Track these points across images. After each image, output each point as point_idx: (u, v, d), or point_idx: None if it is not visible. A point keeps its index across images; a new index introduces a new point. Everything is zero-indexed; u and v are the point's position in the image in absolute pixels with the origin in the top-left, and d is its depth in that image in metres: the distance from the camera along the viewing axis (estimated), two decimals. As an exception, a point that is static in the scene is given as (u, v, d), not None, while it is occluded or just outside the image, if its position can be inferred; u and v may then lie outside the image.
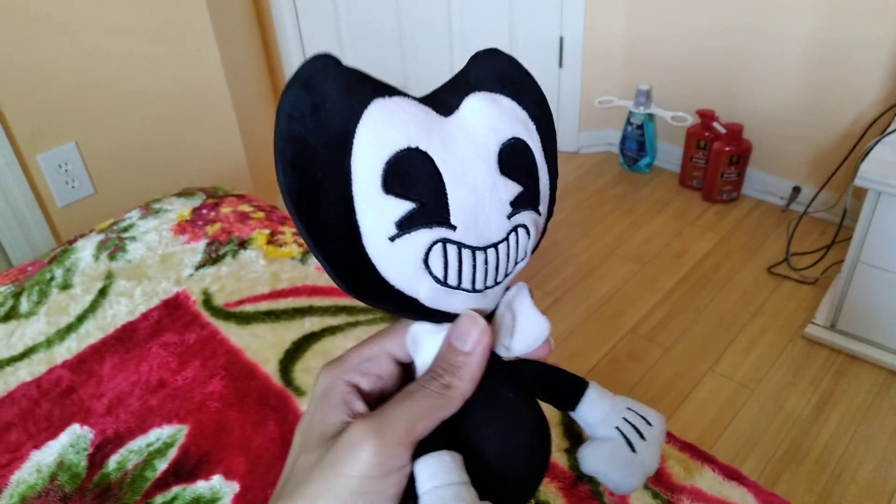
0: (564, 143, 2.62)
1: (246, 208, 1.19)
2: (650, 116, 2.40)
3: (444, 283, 0.29)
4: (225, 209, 1.19)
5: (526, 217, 0.30)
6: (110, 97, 1.68)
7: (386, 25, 2.37)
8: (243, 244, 1.10)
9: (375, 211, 0.27)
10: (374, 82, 0.28)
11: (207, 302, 0.99)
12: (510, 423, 0.32)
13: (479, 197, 0.29)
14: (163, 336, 0.94)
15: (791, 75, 2.06)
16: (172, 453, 0.78)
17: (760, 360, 1.68)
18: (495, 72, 0.32)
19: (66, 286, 1.04)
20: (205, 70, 1.82)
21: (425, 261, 0.28)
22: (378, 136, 0.27)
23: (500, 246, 0.30)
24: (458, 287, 0.29)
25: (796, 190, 2.19)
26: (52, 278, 1.06)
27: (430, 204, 0.28)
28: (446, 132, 0.29)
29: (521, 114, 0.31)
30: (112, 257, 1.09)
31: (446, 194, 0.28)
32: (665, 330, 1.79)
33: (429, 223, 0.28)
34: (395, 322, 0.33)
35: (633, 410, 0.35)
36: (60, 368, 0.90)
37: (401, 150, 0.27)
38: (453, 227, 0.28)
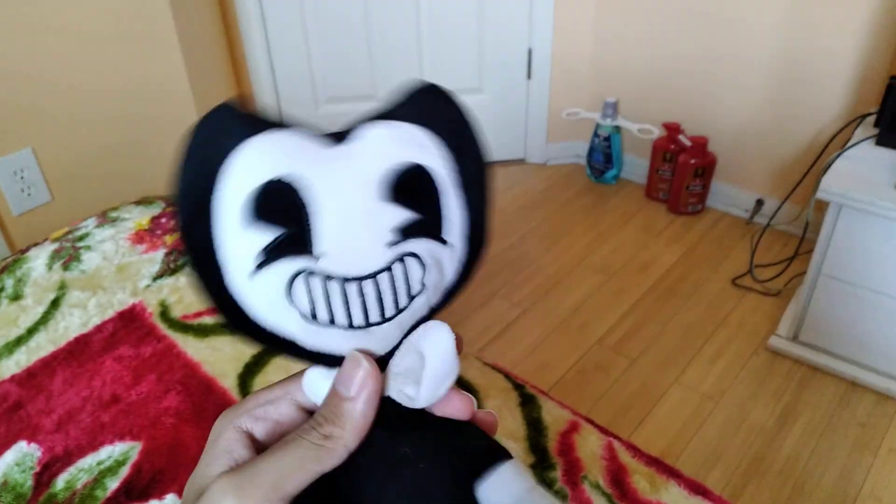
0: (532, 154, 2.63)
1: (207, 217, 1.17)
2: (617, 129, 2.42)
3: (314, 319, 0.27)
4: (185, 218, 1.16)
5: (418, 245, 0.28)
6: (69, 101, 1.64)
7: (355, 38, 2.35)
8: (203, 254, 1.07)
9: (237, 246, 0.26)
10: (263, 123, 0.27)
11: (164, 314, 0.96)
12: (399, 483, 0.27)
13: (349, 223, 0.27)
14: (117, 349, 0.91)
15: (755, 90, 2.09)
16: (124, 472, 0.75)
17: (725, 371, 1.69)
18: (408, 98, 0.31)
19: (16, 297, 1.00)
20: (168, 74, 1.78)
21: (288, 294, 0.26)
22: (242, 170, 0.26)
23: (379, 276, 0.27)
24: (332, 323, 0.27)
25: (759, 202, 2.22)
26: (1, 288, 1.02)
27: (294, 233, 0.26)
28: (323, 161, 0.27)
29: (427, 140, 0.29)
30: (66, 267, 1.05)
31: (309, 223, 0.26)
32: (631, 341, 1.79)
33: (290, 253, 0.26)
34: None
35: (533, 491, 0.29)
36: (8, 383, 0.86)
37: (266, 182, 0.26)
38: (317, 257, 0.26)
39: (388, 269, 0.27)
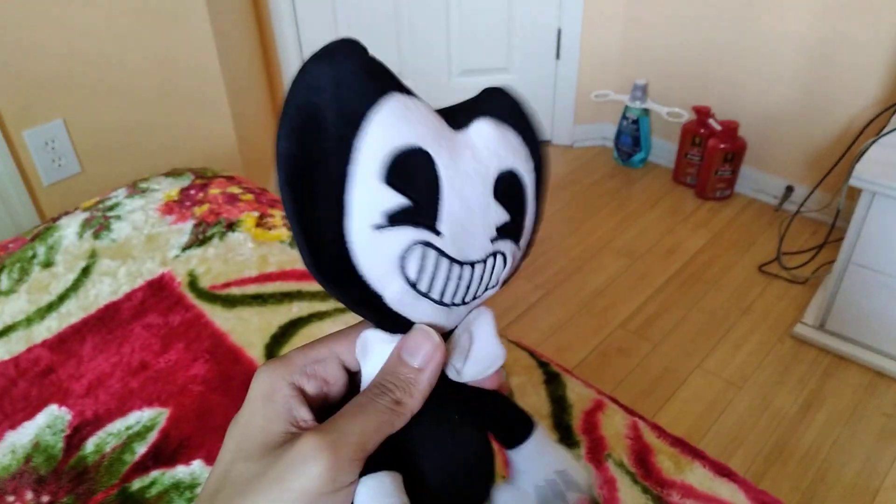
0: (559, 136, 2.61)
1: (235, 190, 1.17)
2: (646, 111, 2.39)
3: (414, 287, 0.28)
4: (213, 190, 1.16)
5: (506, 246, 0.31)
6: (99, 74, 1.65)
7: (383, 13, 2.34)
8: (231, 226, 1.08)
9: (370, 196, 0.27)
10: (395, 78, 0.29)
11: (193, 284, 0.97)
12: (452, 444, 0.31)
13: (470, 212, 0.29)
14: (146, 317, 0.92)
15: (788, 74, 2.05)
16: (152, 437, 0.76)
17: (749, 358, 1.68)
18: (507, 104, 0.32)
19: (48, 264, 1.02)
20: (196, 48, 1.79)
21: (402, 259, 0.28)
22: (390, 126, 0.27)
23: (476, 266, 0.30)
24: (427, 295, 0.29)
25: (789, 189, 2.18)
26: (33, 256, 1.03)
27: (422, 205, 0.28)
28: (453, 144, 0.29)
29: (523, 151, 0.32)
30: (96, 236, 1.06)
31: (440, 200, 0.28)
32: (655, 325, 1.78)
33: (416, 223, 0.28)
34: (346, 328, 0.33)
35: (563, 473, 0.34)
36: (40, 348, 0.87)
37: (408, 147, 0.27)
38: (438, 234, 0.28)
39: (484, 261, 0.30)
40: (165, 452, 0.74)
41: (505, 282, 0.33)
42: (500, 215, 0.30)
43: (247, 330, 0.89)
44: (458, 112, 0.31)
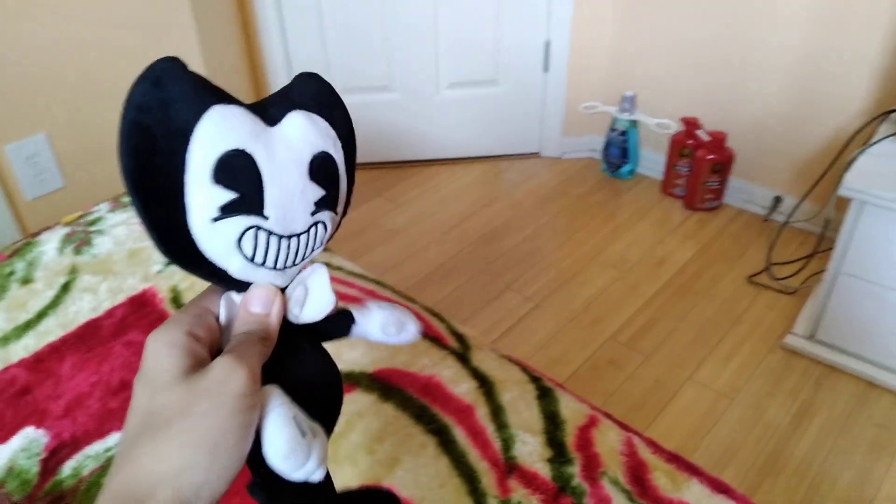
0: (548, 147, 2.60)
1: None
2: (634, 123, 2.39)
3: (252, 261, 0.35)
4: (197, 204, 1.14)
5: (325, 216, 0.38)
6: (83, 88, 1.63)
7: (371, 26, 2.33)
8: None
9: (204, 195, 0.32)
10: (215, 89, 0.34)
11: (176, 300, 0.95)
12: (308, 363, 0.39)
13: (289, 196, 0.35)
14: (127, 335, 0.89)
15: (775, 85, 2.06)
16: (133, 458, 0.74)
17: (740, 369, 1.67)
18: (314, 93, 0.38)
19: (26, 281, 0.99)
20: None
21: (238, 241, 0.34)
22: (214, 135, 0.32)
23: (301, 236, 0.36)
24: (263, 265, 0.36)
25: (778, 199, 2.18)
26: (11, 272, 1.01)
27: (249, 196, 0.33)
28: (269, 140, 0.35)
29: (332, 133, 0.38)
30: (77, 251, 1.04)
31: (263, 191, 0.34)
32: (645, 337, 1.77)
33: (246, 211, 0.34)
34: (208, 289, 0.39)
35: (385, 315, 0.43)
36: (16, 367, 0.85)
37: (230, 150, 0.33)
38: (266, 218, 0.34)
39: (307, 231, 0.37)
40: (146, 475, 0.72)
41: (328, 239, 0.40)
42: (316, 192, 0.36)
43: (231, 347, 0.87)
44: (272, 106, 0.36)
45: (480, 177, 2.51)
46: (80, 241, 1.06)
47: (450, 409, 0.76)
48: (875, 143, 1.53)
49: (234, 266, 0.35)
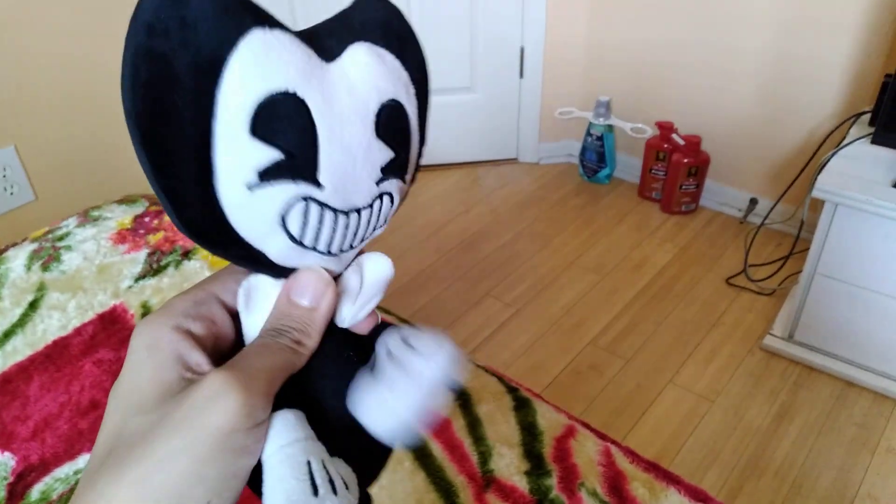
0: (525, 153, 2.61)
1: (192, 217, 1.13)
2: (610, 128, 2.40)
3: (299, 243, 0.27)
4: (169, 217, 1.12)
5: (393, 185, 0.29)
6: (52, 99, 1.60)
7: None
8: (187, 254, 1.04)
9: (238, 153, 0.24)
10: (253, 8, 0.25)
11: (146, 316, 0.93)
12: (348, 378, 0.29)
13: (351, 158, 0.26)
14: (97, 353, 0.88)
15: (748, 89, 2.07)
16: (103, 481, 0.72)
17: (720, 371, 1.67)
18: (381, 21, 0.29)
19: (-7, 299, 0.97)
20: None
21: (282, 217, 0.25)
22: (255, 71, 0.24)
23: (363, 212, 0.28)
24: (313, 249, 0.27)
25: (753, 202, 2.20)
26: (-23, 291, 0.98)
27: (299, 157, 0.25)
28: (327, 81, 0.26)
29: (404, 75, 0.29)
30: (45, 268, 1.02)
31: (318, 150, 0.25)
32: (625, 341, 1.77)
33: (295, 177, 0.25)
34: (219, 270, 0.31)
35: (397, 335, 0.32)
36: (-18, 389, 0.83)
37: (277, 93, 0.24)
38: (320, 186, 0.26)
39: (370, 205, 0.28)
40: (116, 497, 0.70)
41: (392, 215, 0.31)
42: (385, 154, 0.28)
43: (204, 363, 0.85)
44: (327, 35, 0.27)
45: (458, 183, 2.51)
46: (48, 256, 1.04)
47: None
48: (846, 144, 1.54)
49: (275, 248, 0.27)
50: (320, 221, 0.26)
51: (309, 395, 0.28)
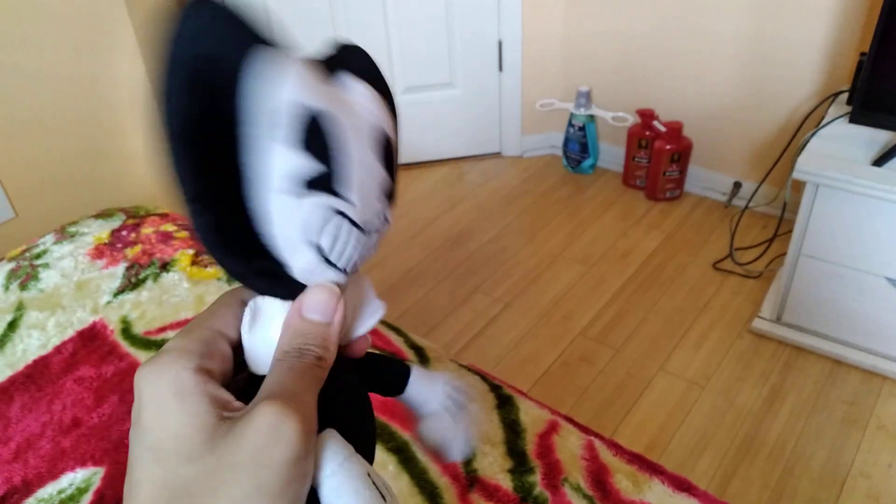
0: (508, 147, 2.60)
1: (169, 228, 1.13)
2: (591, 118, 2.40)
3: (325, 258, 0.27)
4: (146, 230, 1.12)
5: (390, 210, 0.30)
6: (29, 116, 1.59)
7: (319, 38, 2.31)
8: (165, 266, 1.03)
9: (283, 161, 0.24)
10: (276, 32, 0.26)
11: (126, 331, 0.92)
12: (355, 398, 0.31)
13: (371, 179, 0.27)
14: (78, 370, 0.87)
15: (726, 73, 2.08)
16: (87, 500, 0.72)
17: (710, 356, 1.68)
18: (366, 67, 0.30)
19: (-29, 321, 0.96)
20: (130, 86, 1.74)
21: (319, 229, 0.26)
22: (301, 84, 0.25)
23: (372, 234, 0.29)
24: (335, 265, 0.28)
25: (737, 185, 2.21)
26: (-45, 313, 0.97)
27: (336, 172, 0.26)
28: (345, 104, 0.27)
29: (388, 111, 0.30)
30: (23, 287, 1.01)
31: (351, 167, 0.26)
32: (615, 331, 1.77)
33: (334, 191, 0.26)
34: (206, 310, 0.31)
35: (450, 385, 0.37)
36: (-38, 412, 0.82)
37: (319, 109, 0.25)
38: (352, 204, 0.26)
39: (378, 228, 0.29)
40: (100, 516, 0.70)
41: None
42: (386, 178, 0.29)
43: (185, 375, 0.84)
44: (328, 68, 0.28)
45: (443, 179, 2.50)
46: (26, 275, 1.03)
47: (409, 426, 0.75)
48: (825, 125, 1.55)
49: (302, 261, 0.27)
50: (348, 237, 0.27)
51: (331, 412, 0.28)
